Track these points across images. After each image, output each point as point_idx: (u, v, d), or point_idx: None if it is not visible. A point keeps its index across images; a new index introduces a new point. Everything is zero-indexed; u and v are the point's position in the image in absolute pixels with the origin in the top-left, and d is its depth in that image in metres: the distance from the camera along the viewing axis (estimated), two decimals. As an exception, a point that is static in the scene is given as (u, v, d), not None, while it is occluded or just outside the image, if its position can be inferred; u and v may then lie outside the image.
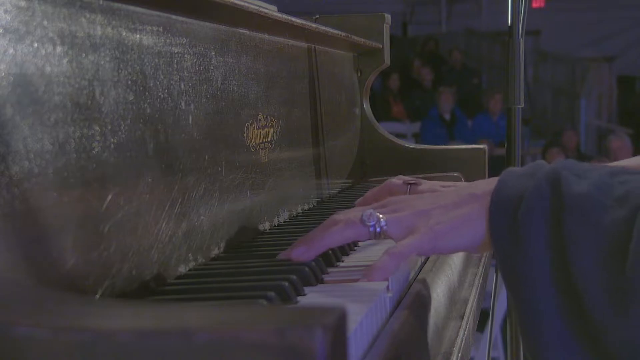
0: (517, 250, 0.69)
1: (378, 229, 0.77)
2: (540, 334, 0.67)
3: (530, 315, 0.68)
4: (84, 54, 0.69)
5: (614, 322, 0.63)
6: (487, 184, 0.75)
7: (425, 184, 1.06)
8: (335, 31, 1.38)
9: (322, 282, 0.78)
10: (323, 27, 1.30)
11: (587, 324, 0.65)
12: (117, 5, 0.75)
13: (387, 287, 0.74)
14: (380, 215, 0.77)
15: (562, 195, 0.68)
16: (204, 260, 0.87)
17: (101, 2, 0.72)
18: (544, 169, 0.72)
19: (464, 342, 0.86)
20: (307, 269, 0.77)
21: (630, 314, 0.62)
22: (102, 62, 0.71)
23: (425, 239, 0.74)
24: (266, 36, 1.13)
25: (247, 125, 1.04)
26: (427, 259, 0.99)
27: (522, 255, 0.68)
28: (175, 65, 0.85)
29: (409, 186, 1.05)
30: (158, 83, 0.81)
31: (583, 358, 0.66)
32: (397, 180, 1.06)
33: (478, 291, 1.09)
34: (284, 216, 1.15)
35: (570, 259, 0.66)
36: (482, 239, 0.73)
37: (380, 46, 1.63)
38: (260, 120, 1.08)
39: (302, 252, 0.79)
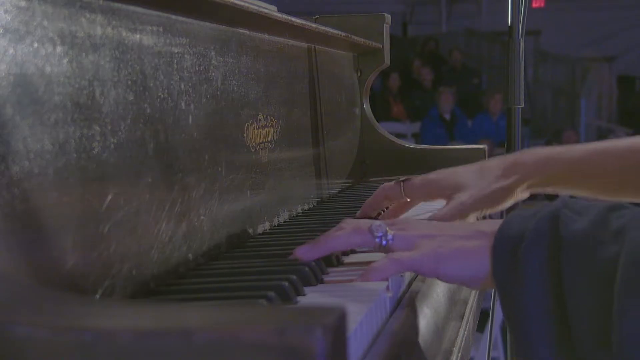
0: (517, 286, 0.70)
1: (384, 242, 0.79)
2: None
3: (525, 346, 0.70)
4: (84, 54, 0.69)
5: (596, 355, 0.64)
6: (494, 224, 0.77)
7: (417, 178, 1.07)
8: (335, 31, 1.38)
9: (322, 282, 0.78)
10: (323, 27, 1.30)
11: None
12: (117, 5, 0.75)
13: (387, 287, 0.74)
14: (389, 229, 0.78)
15: (560, 234, 0.70)
16: (204, 260, 0.87)
17: (101, 2, 0.72)
18: (546, 208, 0.73)
19: (464, 342, 0.86)
20: (307, 269, 0.77)
21: (612, 345, 0.63)
22: (102, 62, 0.71)
23: (427, 259, 0.76)
24: (266, 36, 1.13)
25: (247, 125, 1.04)
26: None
27: (521, 291, 0.70)
28: (175, 65, 0.85)
29: (401, 183, 1.06)
30: (158, 83, 0.81)
31: None
32: (389, 183, 1.07)
33: (478, 291, 1.09)
34: (284, 216, 1.15)
35: (566, 295, 0.67)
36: (485, 275, 0.74)
37: (380, 46, 1.63)
38: (260, 120, 1.08)
39: (306, 251, 0.81)
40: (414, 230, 0.80)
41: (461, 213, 1.00)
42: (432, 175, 1.07)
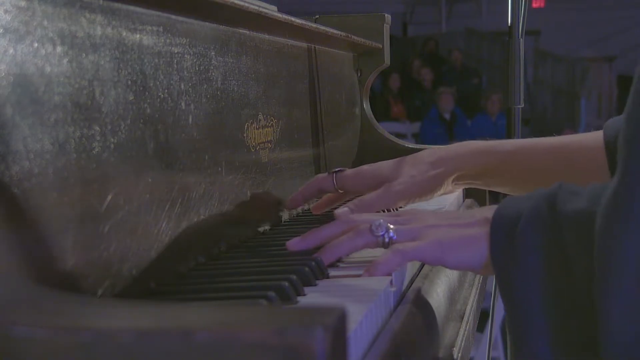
0: (514, 264, 0.71)
1: (387, 239, 0.79)
2: (532, 347, 0.69)
3: (521, 326, 0.70)
4: (84, 54, 0.69)
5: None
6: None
7: (350, 169, 1.07)
8: (335, 31, 1.37)
9: (327, 277, 0.78)
10: (323, 27, 1.30)
11: (574, 335, 0.67)
12: (117, 5, 0.75)
13: (391, 282, 0.74)
14: (390, 225, 0.78)
15: (558, 213, 0.70)
16: (204, 260, 0.87)
17: (101, 2, 0.72)
18: (542, 191, 0.74)
19: (464, 342, 0.86)
20: (307, 269, 0.77)
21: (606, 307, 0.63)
22: (102, 62, 0.71)
23: (431, 248, 0.76)
24: (266, 36, 1.13)
25: (247, 125, 1.04)
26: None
27: (518, 269, 0.70)
28: (175, 65, 0.85)
29: (333, 175, 1.06)
30: (158, 83, 0.81)
31: None
32: (323, 174, 1.07)
33: (478, 291, 1.10)
34: (284, 216, 1.15)
35: (574, 271, 0.67)
36: (485, 259, 0.75)
37: (380, 46, 1.63)
38: (260, 120, 1.08)
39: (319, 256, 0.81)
40: (417, 222, 0.80)
41: (389, 200, 1.01)
42: (365, 166, 1.07)
